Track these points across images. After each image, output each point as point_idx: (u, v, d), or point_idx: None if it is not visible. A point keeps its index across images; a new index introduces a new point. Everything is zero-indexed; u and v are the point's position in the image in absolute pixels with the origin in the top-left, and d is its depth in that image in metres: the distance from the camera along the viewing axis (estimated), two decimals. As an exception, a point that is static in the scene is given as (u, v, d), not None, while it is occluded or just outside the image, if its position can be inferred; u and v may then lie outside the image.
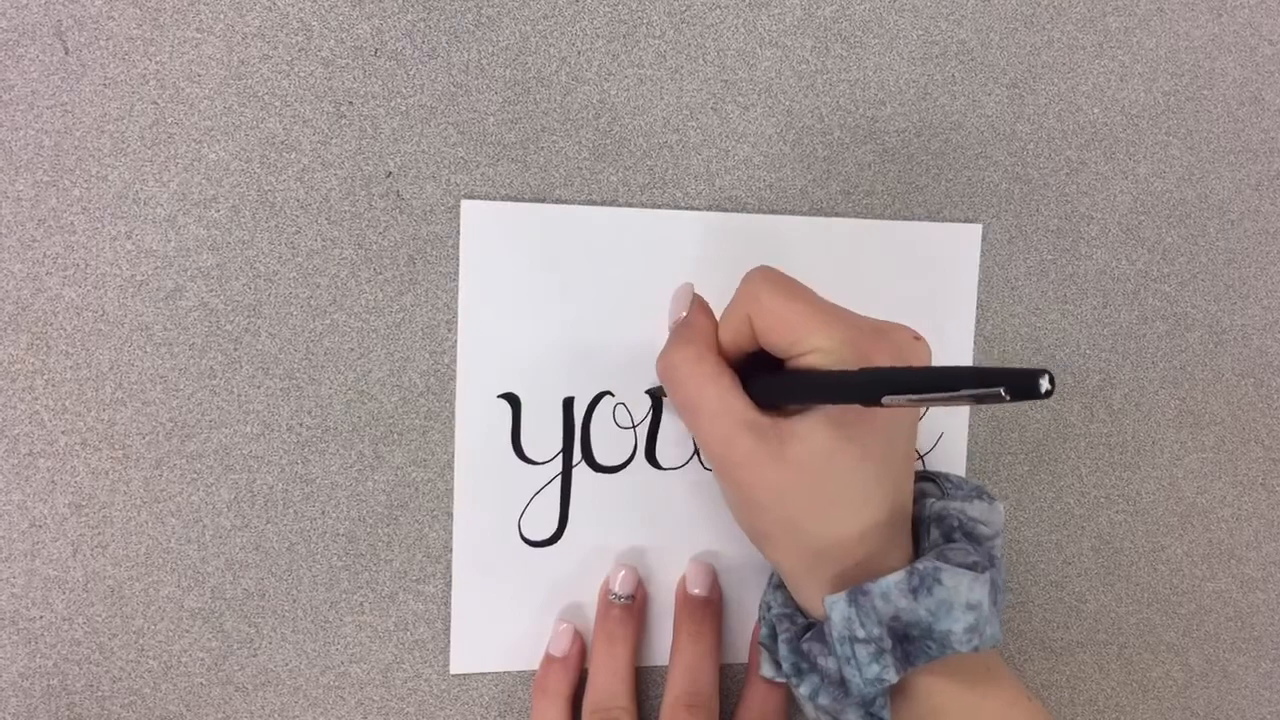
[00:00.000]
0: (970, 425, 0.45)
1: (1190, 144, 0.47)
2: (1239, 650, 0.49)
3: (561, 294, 0.41)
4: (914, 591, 0.33)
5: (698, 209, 0.42)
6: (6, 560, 0.38)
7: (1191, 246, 0.47)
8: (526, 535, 0.42)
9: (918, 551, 0.37)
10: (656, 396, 0.42)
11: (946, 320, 0.44)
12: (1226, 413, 0.48)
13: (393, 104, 0.40)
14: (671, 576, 0.43)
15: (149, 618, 0.39)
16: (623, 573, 0.41)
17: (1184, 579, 0.48)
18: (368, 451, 0.40)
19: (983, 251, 0.45)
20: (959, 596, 0.33)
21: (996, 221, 0.45)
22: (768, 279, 0.35)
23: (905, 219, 0.44)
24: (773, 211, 0.43)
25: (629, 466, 0.42)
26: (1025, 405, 0.46)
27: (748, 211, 0.43)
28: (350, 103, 0.39)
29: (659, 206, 0.42)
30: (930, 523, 0.37)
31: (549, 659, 0.41)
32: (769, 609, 0.39)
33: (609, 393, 0.42)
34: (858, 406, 0.31)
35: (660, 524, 0.43)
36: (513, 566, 0.41)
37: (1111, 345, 0.46)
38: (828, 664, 0.35)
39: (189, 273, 0.39)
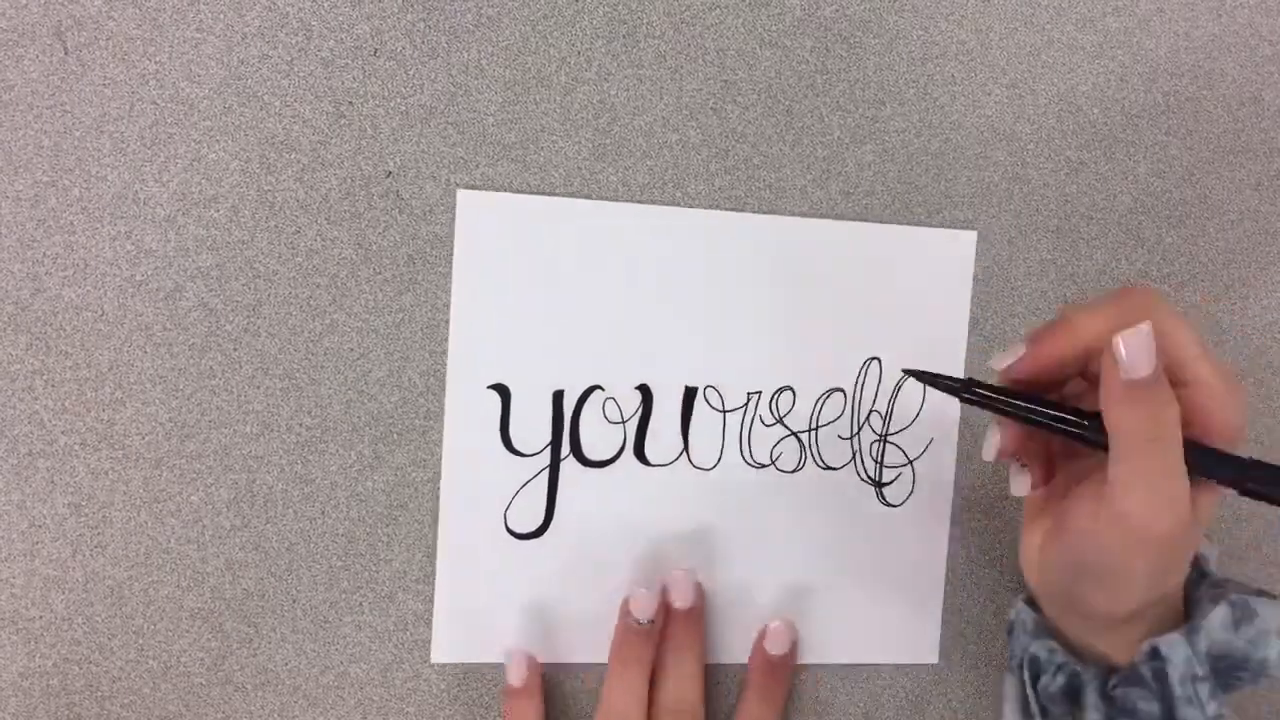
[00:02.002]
0: (960, 430, 0.45)
1: (1190, 144, 0.47)
2: (1239, 650, 0.49)
3: (556, 286, 0.41)
4: (1236, 624, 0.34)
5: (697, 208, 0.42)
6: (6, 560, 0.38)
7: (1191, 246, 0.47)
8: (512, 527, 0.42)
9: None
10: (933, 381, 0.36)
11: (940, 325, 0.44)
12: (1227, 413, 0.48)
13: (392, 104, 0.40)
14: (656, 573, 0.43)
15: (149, 618, 0.39)
16: (642, 595, 0.40)
17: (1184, 579, 0.48)
18: (367, 451, 0.40)
19: (982, 251, 0.45)
20: (1272, 624, 0.34)
21: (996, 221, 0.45)
22: (1167, 300, 0.33)
23: (904, 219, 0.44)
24: (772, 212, 0.43)
25: (617, 461, 0.42)
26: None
27: (748, 211, 0.43)
28: (350, 103, 0.39)
29: (658, 204, 0.42)
30: None
31: (510, 690, 0.41)
32: (1036, 660, 0.37)
33: (599, 387, 0.42)
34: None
35: (647, 520, 0.43)
36: (497, 558, 0.41)
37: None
38: (1148, 708, 0.35)
39: (189, 273, 0.39)
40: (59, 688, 0.39)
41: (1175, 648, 0.34)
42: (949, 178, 0.44)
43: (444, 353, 0.41)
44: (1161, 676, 0.34)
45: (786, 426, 0.43)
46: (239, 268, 0.39)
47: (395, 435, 0.41)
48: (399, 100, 0.40)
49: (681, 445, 0.43)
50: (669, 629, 0.41)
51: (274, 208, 0.39)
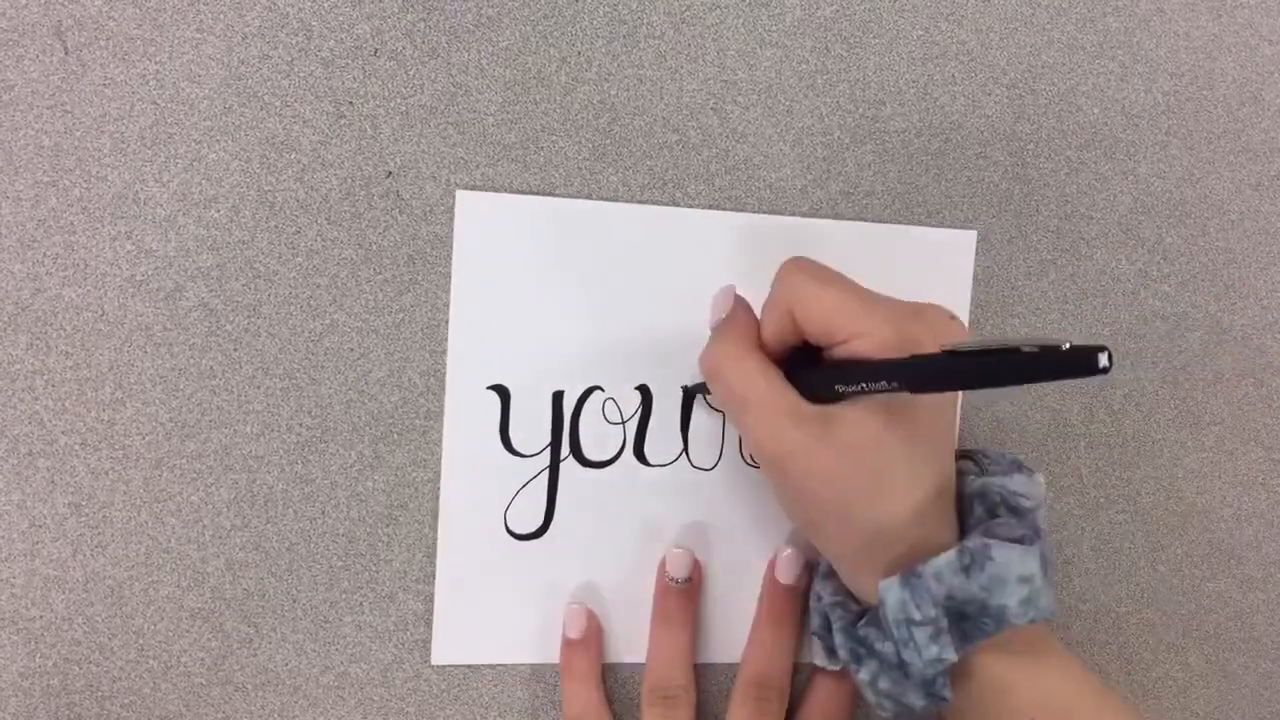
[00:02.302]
0: (959, 429, 0.45)
1: (1190, 144, 0.47)
2: (1239, 650, 0.49)
3: (555, 286, 0.41)
4: (966, 570, 0.34)
5: (697, 208, 0.42)
6: (6, 560, 0.38)
7: (1191, 246, 0.47)
8: (512, 528, 0.42)
9: (963, 529, 0.37)
10: (691, 394, 0.42)
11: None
12: (1226, 413, 0.48)
13: (392, 104, 0.40)
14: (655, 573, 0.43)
15: (149, 618, 0.39)
16: (678, 554, 0.41)
17: (1184, 579, 0.48)
18: (367, 451, 0.40)
19: (982, 251, 0.45)
20: (1011, 571, 0.33)
21: (996, 221, 0.45)
22: (806, 270, 0.36)
23: (905, 219, 0.44)
24: (773, 212, 0.43)
25: (617, 462, 0.42)
26: (1026, 406, 0.46)
27: (747, 211, 0.43)
28: (350, 103, 0.39)
29: (658, 204, 0.42)
30: (973, 500, 0.37)
31: (568, 642, 0.42)
32: (819, 599, 0.40)
33: (599, 387, 0.42)
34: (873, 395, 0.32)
35: (647, 520, 0.43)
36: (497, 559, 0.41)
37: (1111, 345, 0.46)
38: (885, 648, 0.36)
39: (189, 273, 0.39)
40: (59, 688, 0.39)
41: (889, 590, 0.34)
42: (949, 178, 0.44)
43: (444, 353, 0.41)
44: (885, 618, 0.35)
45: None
46: (239, 268, 0.39)
47: (395, 435, 0.41)
48: (399, 100, 0.40)
49: (681, 445, 0.43)
50: (664, 603, 0.42)
51: (274, 208, 0.39)
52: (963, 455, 0.39)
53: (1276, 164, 0.48)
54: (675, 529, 0.43)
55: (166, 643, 0.40)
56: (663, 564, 0.42)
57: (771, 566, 0.43)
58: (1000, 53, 0.45)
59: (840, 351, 0.35)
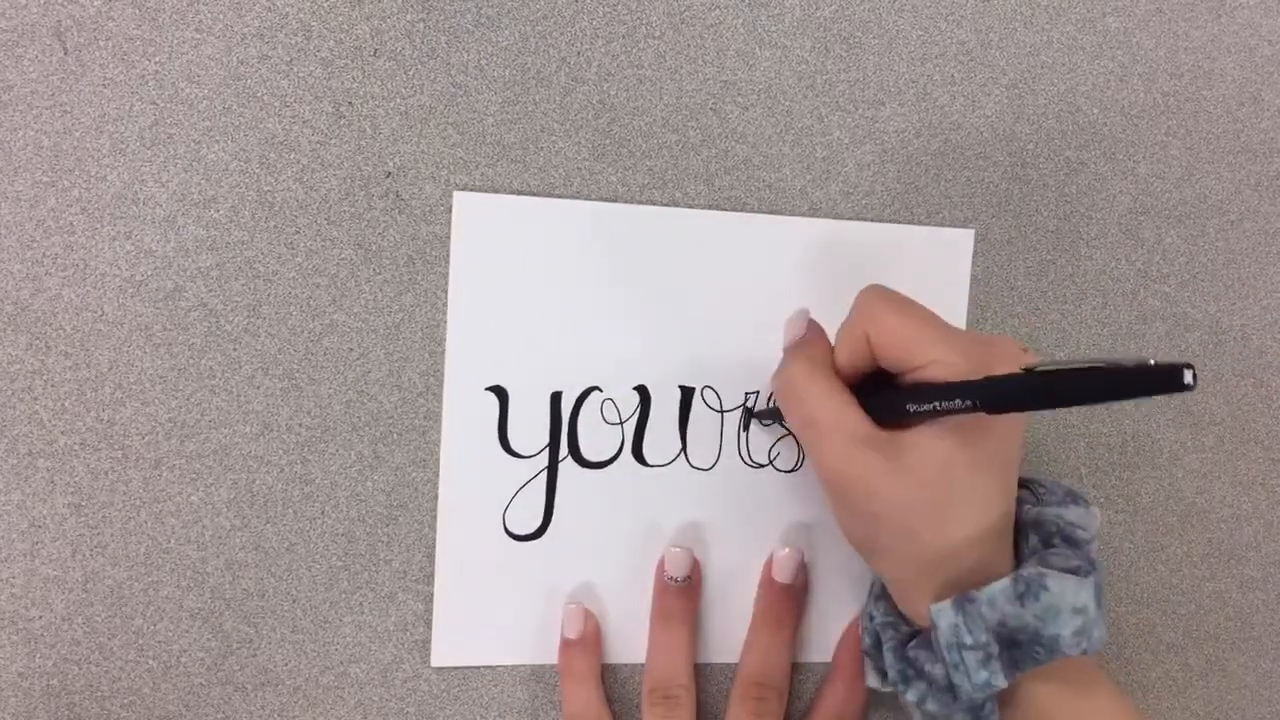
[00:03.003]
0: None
1: (1190, 144, 0.47)
2: (1239, 650, 0.49)
3: (552, 287, 0.41)
4: (1020, 598, 0.34)
5: (696, 208, 0.42)
6: (6, 560, 0.38)
7: (1191, 246, 0.47)
8: (511, 529, 0.42)
9: (1018, 557, 0.37)
10: (752, 418, 0.43)
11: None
12: (1226, 413, 0.48)
13: (392, 104, 0.40)
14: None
15: (149, 618, 0.40)
16: (676, 553, 0.41)
17: (1184, 579, 0.48)
18: (367, 451, 0.40)
19: (981, 251, 0.45)
20: (1065, 601, 0.34)
21: (995, 221, 0.45)
22: (884, 296, 0.36)
23: (904, 219, 0.44)
24: (773, 212, 0.43)
25: (616, 462, 0.42)
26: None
27: (747, 211, 0.43)
28: (349, 103, 0.39)
29: (657, 204, 0.42)
30: (1028, 528, 0.38)
31: (566, 642, 0.42)
32: (871, 619, 0.40)
33: (597, 388, 0.42)
34: (974, 414, 0.32)
35: (646, 521, 0.43)
36: (496, 560, 0.41)
37: (1111, 345, 0.46)
38: (935, 670, 0.36)
39: (189, 273, 0.39)
40: (59, 688, 0.39)
41: (942, 614, 0.34)
42: (948, 178, 0.44)
43: (443, 354, 0.41)
44: (937, 641, 0.35)
45: (784, 426, 0.43)
46: (239, 268, 0.39)
47: (395, 435, 0.41)
48: (399, 100, 0.40)
49: (680, 445, 0.43)
50: (663, 602, 0.42)
51: (274, 208, 0.39)
52: (1019, 484, 0.39)
53: (1276, 164, 0.48)
54: (674, 529, 0.43)
55: (166, 643, 0.40)
56: (661, 563, 0.42)
57: (768, 566, 0.43)
58: (1000, 53, 0.45)
59: (914, 378, 0.35)
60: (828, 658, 0.44)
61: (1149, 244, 0.47)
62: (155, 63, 0.38)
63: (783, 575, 0.42)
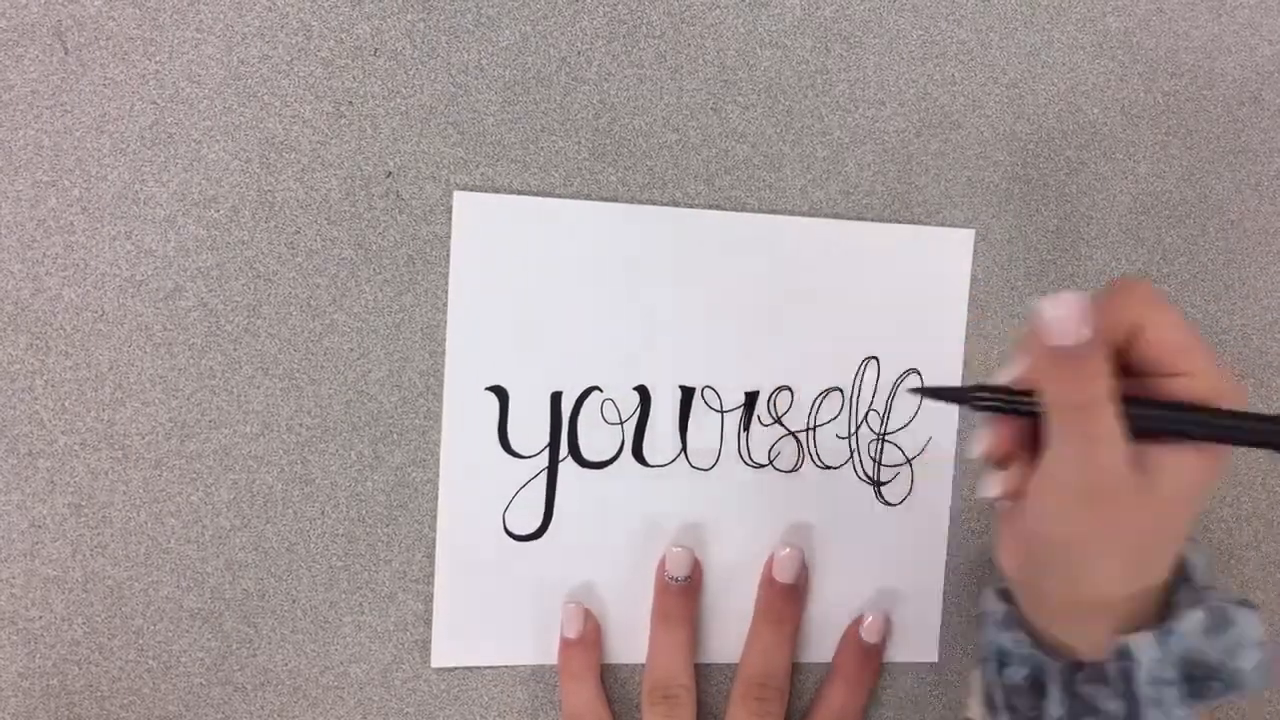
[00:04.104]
0: (958, 429, 0.45)
1: (1190, 144, 0.47)
2: (1239, 650, 0.49)
3: (553, 287, 0.41)
4: (1209, 631, 0.33)
5: (696, 208, 0.42)
6: (6, 560, 0.38)
7: (1191, 246, 0.47)
8: (511, 529, 0.42)
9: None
10: (932, 394, 0.38)
11: (938, 324, 0.44)
12: (1226, 413, 0.48)
13: (392, 104, 0.40)
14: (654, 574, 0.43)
15: (149, 618, 0.40)
16: (677, 552, 0.41)
17: (1184, 579, 0.48)
18: (367, 451, 0.40)
19: (982, 251, 0.45)
20: (1250, 635, 0.33)
21: (996, 221, 0.45)
22: (1159, 294, 0.33)
23: (904, 219, 0.44)
24: (773, 212, 0.43)
25: (616, 463, 0.42)
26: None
27: (748, 211, 0.43)
28: (350, 103, 0.39)
29: (657, 204, 0.42)
30: None
31: (566, 642, 0.42)
32: (1003, 652, 0.37)
33: (597, 388, 0.42)
34: (1219, 445, 0.31)
35: (646, 521, 0.43)
36: (496, 560, 0.41)
37: (1111, 345, 0.46)
38: (1112, 707, 0.33)
39: (189, 273, 0.39)
40: (59, 688, 0.39)
41: (1144, 648, 0.33)
42: (949, 178, 0.44)
43: (443, 354, 0.41)
44: (1128, 676, 0.33)
45: (784, 426, 0.43)
46: (239, 268, 0.39)
47: (395, 435, 0.41)
48: (399, 100, 0.40)
49: (680, 446, 0.43)
50: (663, 602, 0.42)
51: (274, 208, 0.39)
52: None
53: (1276, 164, 0.48)
54: (674, 529, 0.43)
55: (166, 643, 0.40)
56: (662, 563, 0.42)
57: (769, 566, 0.43)
58: (1000, 53, 0.45)
59: (1170, 385, 0.32)
60: (828, 658, 0.44)
61: (1149, 244, 0.47)
62: (155, 62, 0.38)
63: (783, 575, 0.42)
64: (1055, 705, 0.35)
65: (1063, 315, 0.31)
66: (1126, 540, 0.32)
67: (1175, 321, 0.32)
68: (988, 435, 0.35)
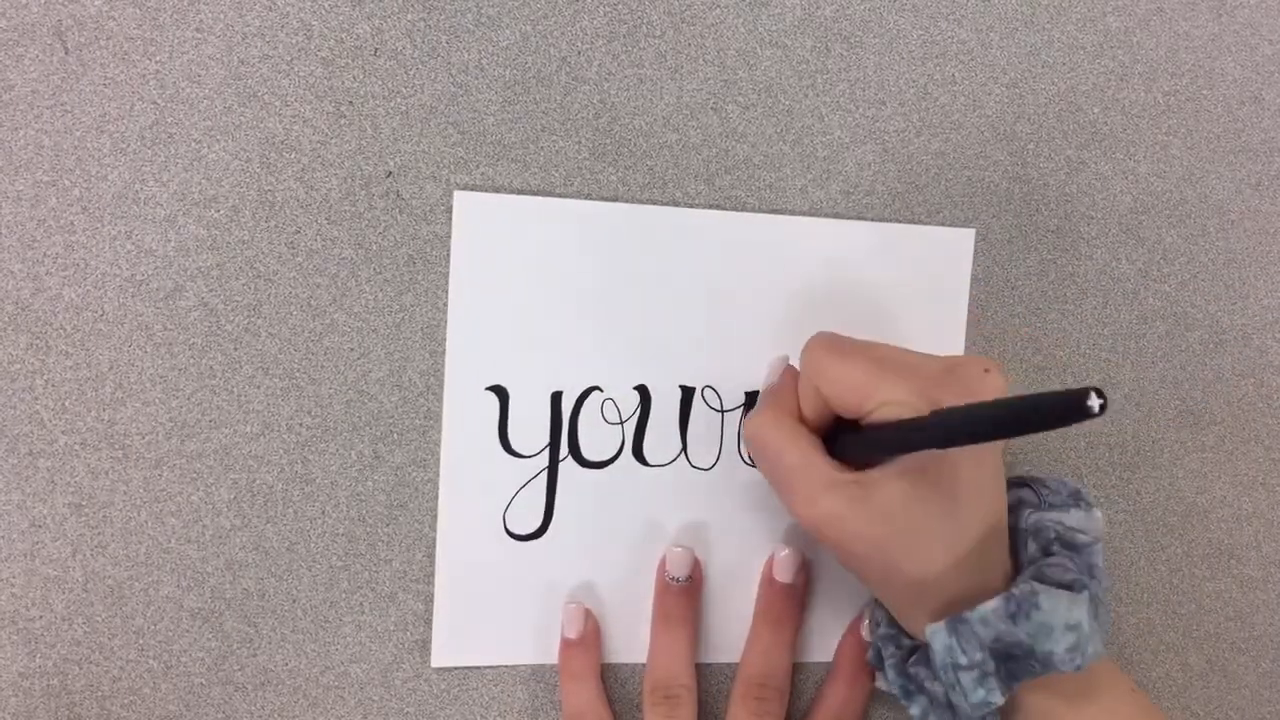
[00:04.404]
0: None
1: (1190, 144, 0.47)
2: (1239, 650, 0.49)
3: (553, 287, 0.41)
4: (1012, 616, 0.34)
5: (696, 208, 0.42)
6: (6, 560, 0.38)
7: (1191, 246, 0.47)
8: (511, 529, 0.42)
9: (1017, 564, 0.37)
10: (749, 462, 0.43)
11: (938, 324, 0.44)
12: (1226, 413, 0.48)
13: (392, 104, 0.40)
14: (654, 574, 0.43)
15: (149, 618, 0.40)
16: (677, 553, 0.42)
17: (1184, 579, 0.48)
18: (367, 451, 0.40)
19: (982, 251, 0.45)
20: (1058, 619, 0.34)
21: (996, 221, 0.45)
22: (824, 346, 0.37)
23: (905, 218, 0.44)
24: (773, 212, 0.43)
25: (616, 462, 0.42)
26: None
27: (748, 211, 0.43)
28: (350, 103, 0.39)
29: (657, 204, 0.42)
30: (1027, 536, 0.38)
31: (566, 642, 0.42)
32: (877, 626, 0.41)
33: (597, 388, 0.42)
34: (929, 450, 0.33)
35: (646, 521, 0.43)
36: (496, 560, 0.41)
37: (1111, 345, 0.46)
38: (934, 688, 0.36)
39: (189, 273, 0.39)
40: (59, 688, 0.39)
41: (936, 635, 0.35)
42: (949, 177, 0.44)
43: (443, 353, 0.41)
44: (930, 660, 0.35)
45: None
46: (239, 268, 0.39)
47: (395, 435, 0.41)
48: (399, 100, 0.40)
49: (680, 445, 0.43)
50: (664, 602, 0.42)
51: (274, 208, 0.39)
52: (1022, 483, 0.40)
53: (1276, 164, 0.48)
54: (674, 529, 0.43)
55: (166, 643, 0.40)
56: (662, 563, 0.42)
57: (769, 566, 0.43)
58: (1000, 52, 0.45)
59: (871, 419, 0.35)
60: (828, 658, 0.44)
61: (1149, 244, 0.47)
62: (156, 62, 0.38)
63: (783, 575, 0.42)
64: (893, 683, 0.38)
65: (771, 368, 0.41)
66: (863, 558, 0.35)
67: (836, 372, 0.36)
68: None
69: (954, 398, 0.34)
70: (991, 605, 0.34)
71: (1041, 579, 0.35)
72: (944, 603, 0.36)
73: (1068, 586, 0.35)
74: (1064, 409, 0.26)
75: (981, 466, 0.36)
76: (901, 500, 0.34)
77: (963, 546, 0.35)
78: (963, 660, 0.34)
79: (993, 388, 0.35)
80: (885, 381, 0.35)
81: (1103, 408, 0.25)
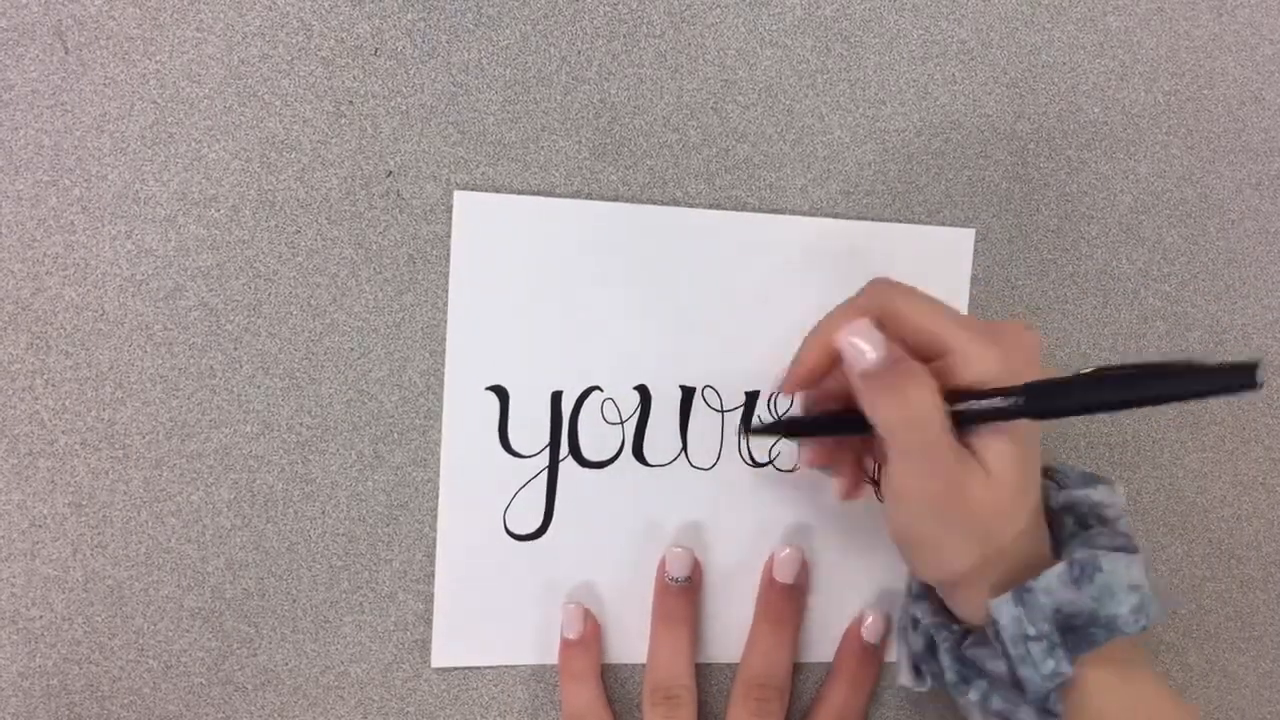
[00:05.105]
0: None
1: (1190, 144, 0.47)
2: (1239, 650, 0.49)
3: (553, 287, 0.41)
4: (1076, 581, 0.34)
5: (696, 208, 0.42)
6: (6, 560, 0.38)
7: (1191, 246, 0.47)
8: (511, 529, 0.42)
9: (1056, 542, 0.37)
10: (760, 432, 0.42)
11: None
12: (1226, 413, 0.48)
13: (392, 104, 0.40)
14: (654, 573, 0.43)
15: (149, 618, 0.40)
16: (677, 553, 0.42)
17: (1184, 579, 0.48)
18: (367, 451, 0.40)
19: (982, 251, 0.45)
20: (1120, 580, 0.34)
21: (996, 221, 0.45)
22: (894, 285, 0.36)
23: (905, 218, 0.44)
24: (773, 211, 0.43)
25: (616, 462, 0.42)
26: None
27: (748, 211, 0.43)
28: (350, 102, 0.39)
29: (657, 204, 0.42)
30: (1061, 513, 0.38)
31: (566, 643, 0.42)
32: (915, 621, 0.40)
33: (597, 388, 0.42)
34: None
35: (647, 520, 0.43)
36: (496, 560, 0.41)
37: (1111, 345, 0.46)
38: (996, 667, 0.36)
39: (189, 273, 0.39)
40: (59, 688, 0.39)
41: (1002, 609, 0.34)
42: (949, 177, 0.44)
43: (443, 353, 0.41)
44: (999, 636, 0.35)
45: (788, 438, 0.43)
46: (239, 268, 0.39)
47: (395, 435, 0.41)
48: (399, 100, 0.40)
49: (680, 445, 0.43)
50: (664, 602, 0.42)
51: (274, 208, 0.39)
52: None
53: (1276, 164, 0.48)
54: (674, 529, 0.43)
55: (166, 643, 0.40)
56: (662, 563, 0.42)
57: (769, 566, 0.43)
58: (1000, 52, 0.45)
59: (938, 368, 0.34)
60: (829, 658, 0.44)
61: (1149, 244, 0.47)
62: (156, 62, 0.38)
63: (784, 575, 0.42)
64: (949, 671, 0.37)
65: (858, 339, 0.35)
66: (971, 524, 0.34)
67: (926, 306, 0.35)
68: (805, 452, 0.41)
69: (1022, 362, 0.34)
70: (1056, 571, 0.34)
71: (1093, 546, 0.35)
72: (1002, 576, 0.35)
73: (1121, 550, 0.35)
74: (1225, 381, 0.25)
75: (1038, 434, 0.36)
76: (1015, 465, 0.34)
77: (1032, 514, 0.35)
78: (1031, 631, 0.34)
79: (1037, 345, 0.35)
80: (964, 326, 0.34)
81: (1262, 383, 0.25)
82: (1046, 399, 0.31)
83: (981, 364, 0.34)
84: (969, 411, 0.34)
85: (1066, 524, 0.37)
